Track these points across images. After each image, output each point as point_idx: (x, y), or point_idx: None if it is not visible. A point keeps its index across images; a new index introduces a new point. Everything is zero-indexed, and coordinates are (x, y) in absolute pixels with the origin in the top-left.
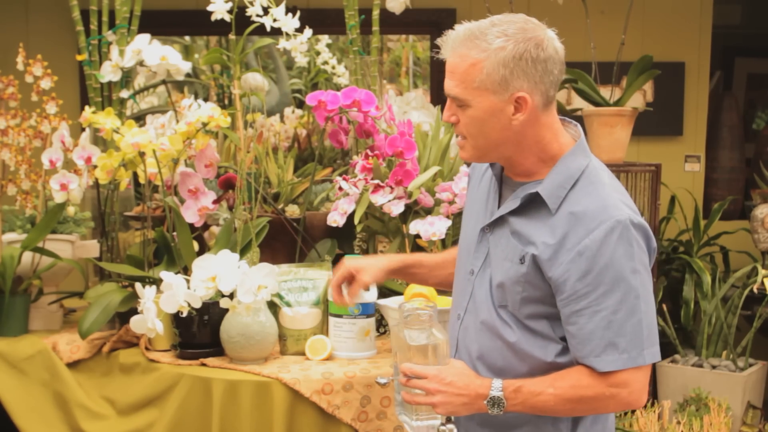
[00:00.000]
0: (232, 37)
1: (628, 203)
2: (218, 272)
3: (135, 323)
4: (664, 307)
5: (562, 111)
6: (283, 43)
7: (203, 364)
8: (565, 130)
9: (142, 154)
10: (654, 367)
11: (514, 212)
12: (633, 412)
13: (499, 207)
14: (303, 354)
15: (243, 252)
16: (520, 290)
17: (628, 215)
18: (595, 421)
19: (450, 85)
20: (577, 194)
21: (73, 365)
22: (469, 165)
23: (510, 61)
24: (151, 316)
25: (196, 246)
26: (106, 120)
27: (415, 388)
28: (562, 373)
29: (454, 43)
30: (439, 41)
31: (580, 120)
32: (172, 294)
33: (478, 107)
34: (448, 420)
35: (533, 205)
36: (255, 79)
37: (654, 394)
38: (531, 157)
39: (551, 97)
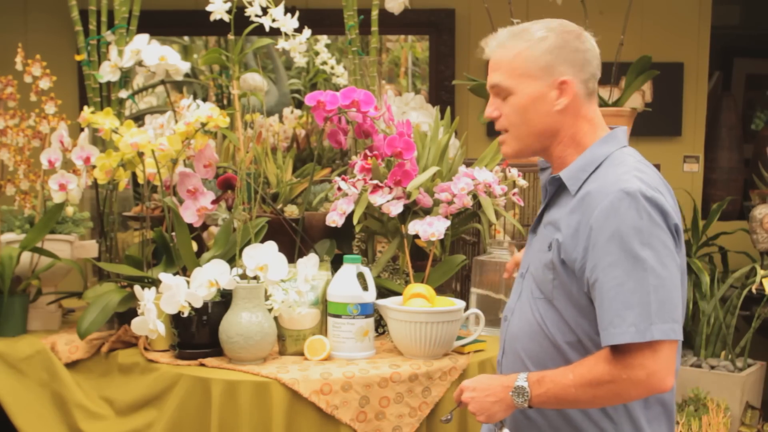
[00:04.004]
0: (231, 37)
1: (646, 180)
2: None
3: (136, 325)
4: None
5: None
6: (282, 44)
7: (202, 365)
8: (607, 127)
9: (140, 155)
10: None
11: (548, 204)
12: None
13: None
14: (302, 354)
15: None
16: (551, 278)
17: (639, 187)
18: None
19: (495, 78)
20: (596, 176)
21: (71, 365)
22: (467, 165)
23: (554, 49)
24: (152, 318)
25: (194, 246)
26: (105, 120)
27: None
28: (583, 360)
29: (499, 40)
30: (483, 43)
31: None
32: (172, 294)
33: (523, 93)
34: (502, 425)
35: (561, 192)
36: (254, 79)
37: None
38: (568, 149)
39: (591, 90)
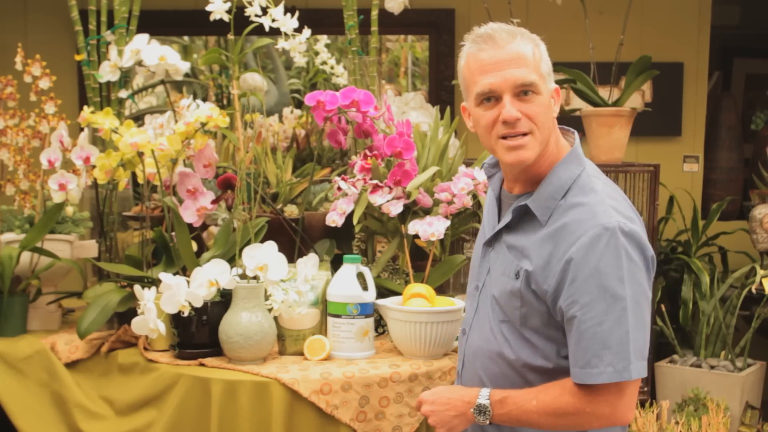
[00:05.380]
0: (230, 37)
1: (621, 209)
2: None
3: (136, 325)
4: (663, 307)
5: (561, 111)
6: (281, 43)
7: (202, 364)
8: (562, 136)
9: (140, 154)
10: (652, 367)
11: (508, 227)
12: None
13: (499, 222)
14: (301, 354)
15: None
16: (518, 305)
17: (618, 222)
18: None
19: (524, 74)
20: (567, 204)
21: (71, 365)
22: (467, 165)
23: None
24: (153, 317)
25: (194, 246)
26: (105, 120)
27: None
28: (547, 385)
29: (509, 36)
30: (483, 37)
31: (578, 120)
32: (172, 294)
33: (545, 94)
34: None
35: (526, 218)
36: (254, 79)
37: (652, 394)
38: (546, 159)
39: None
